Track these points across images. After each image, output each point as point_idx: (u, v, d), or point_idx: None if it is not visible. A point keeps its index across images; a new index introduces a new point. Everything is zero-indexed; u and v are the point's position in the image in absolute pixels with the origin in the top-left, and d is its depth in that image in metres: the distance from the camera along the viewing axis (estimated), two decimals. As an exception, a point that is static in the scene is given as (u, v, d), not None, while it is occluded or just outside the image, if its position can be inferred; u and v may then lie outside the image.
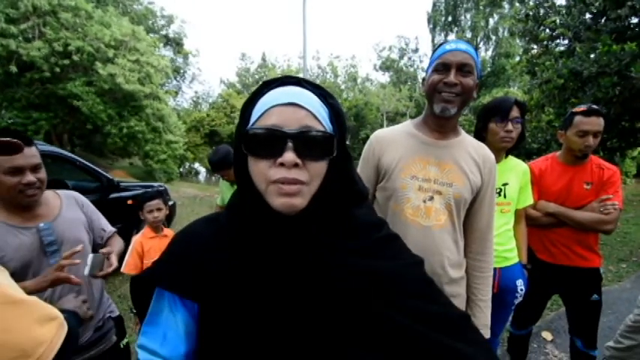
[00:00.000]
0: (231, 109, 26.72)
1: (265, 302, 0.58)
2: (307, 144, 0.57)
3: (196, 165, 27.66)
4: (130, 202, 4.39)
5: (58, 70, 12.89)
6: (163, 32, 25.88)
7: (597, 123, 1.82)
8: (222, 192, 2.93)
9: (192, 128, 25.56)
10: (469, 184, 1.22)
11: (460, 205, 1.23)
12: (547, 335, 2.91)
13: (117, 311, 1.68)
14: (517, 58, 18.68)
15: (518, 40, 17.55)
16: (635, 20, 6.41)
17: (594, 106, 1.85)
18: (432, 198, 1.21)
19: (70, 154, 3.70)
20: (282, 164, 0.56)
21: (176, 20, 26.11)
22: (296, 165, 0.56)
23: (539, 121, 8.53)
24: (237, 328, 0.58)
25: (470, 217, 1.29)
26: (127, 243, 4.22)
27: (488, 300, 1.31)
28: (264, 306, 0.58)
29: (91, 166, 3.92)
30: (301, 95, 0.60)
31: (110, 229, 1.67)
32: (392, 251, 0.70)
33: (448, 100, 1.17)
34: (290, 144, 0.56)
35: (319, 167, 0.59)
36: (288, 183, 0.56)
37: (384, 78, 35.20)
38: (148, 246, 2.17)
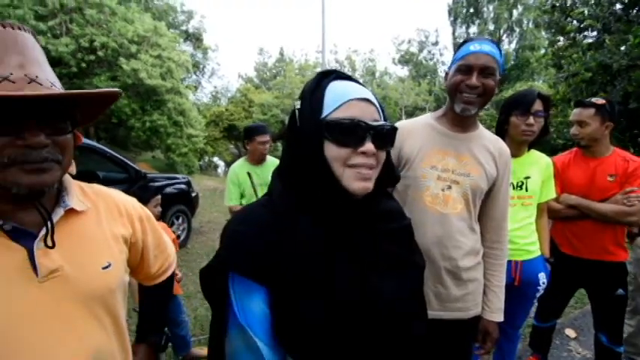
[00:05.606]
0: (249, 104, 26.92)
1: (326, 274, 0.65)
2: (381, 136, 0.67)
3: (215, 159, 28.11)
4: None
5: (84, 65, 13.27)
6: (183, 27, 26.25)
7: (577, 113, 1.97)
8: (235, 185, 2.65)
9: (211, 122, 25.90)
10: (485, 175, 1.27)
11: (476, 195, 1.28)
12: (570, 332, 2.87)
13: None
14: (542, 51, 18.07)
15: (543, 32, 16.99)
16: (669, 10, 6.12)
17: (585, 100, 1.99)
18: (449, 187, 1.26)
19: (100, 146, 3.88)
20: (363, 152, 0.65)
21: (195, 15, 26.55)
22: (373, 154, 0.66)
23: (565, 116, 8.27)
24: (302, 306, 0.63)
25: (486, 207, 1.35)
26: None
27: (502, 286, 1.36)
28: (325, 277, 0.65)
29: (120, 157, 4.09)
30: (369, 92, 0.71)
31: None
32: (409, 241, 0.84)
33: (469, 102, 1.21)
34: (370, 135, 0.65)
35: (384, 156, 0.71)
36: (367, 168, 0.66)
37: (403, 72, 34.70)
38: None
